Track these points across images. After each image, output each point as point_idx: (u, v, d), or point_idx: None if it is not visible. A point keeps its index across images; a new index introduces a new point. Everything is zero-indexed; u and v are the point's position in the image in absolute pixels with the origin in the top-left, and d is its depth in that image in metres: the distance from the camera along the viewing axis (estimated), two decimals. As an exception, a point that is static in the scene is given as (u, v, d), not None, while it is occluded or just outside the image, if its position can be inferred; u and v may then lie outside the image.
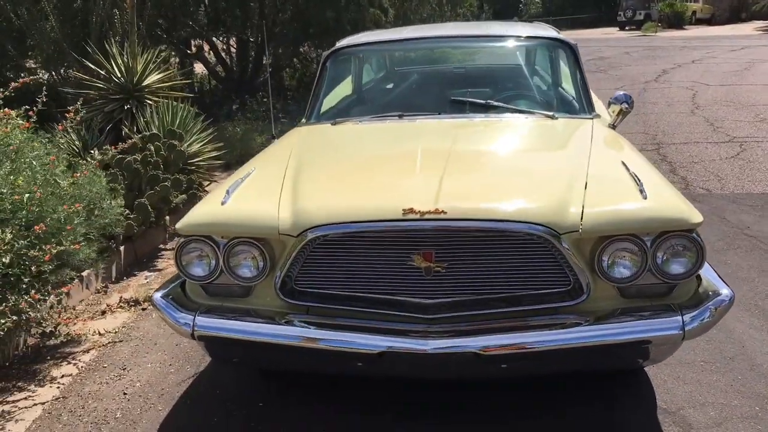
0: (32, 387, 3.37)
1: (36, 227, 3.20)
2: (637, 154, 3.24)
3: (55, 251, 3.24)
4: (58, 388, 3.35)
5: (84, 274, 4.31)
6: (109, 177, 4.68)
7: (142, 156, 5.22)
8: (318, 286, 2.67)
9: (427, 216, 2.48)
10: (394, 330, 2.56)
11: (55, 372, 3.51)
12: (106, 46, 6.32)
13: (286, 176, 2.98)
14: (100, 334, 3.88)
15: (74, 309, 4.16)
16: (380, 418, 2.92)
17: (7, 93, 4.06)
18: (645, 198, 2.54)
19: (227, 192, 2.81)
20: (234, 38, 12.62)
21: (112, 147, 5.06)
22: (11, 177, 3.38)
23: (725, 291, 2.53)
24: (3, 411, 3.13)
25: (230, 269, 2.67)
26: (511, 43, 4.41)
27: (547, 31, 4.33)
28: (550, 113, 3.74)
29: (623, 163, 2.91)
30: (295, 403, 3.08)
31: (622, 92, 3.71)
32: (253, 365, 3.15)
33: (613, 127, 3.70)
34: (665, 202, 2.55)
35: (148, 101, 6.29)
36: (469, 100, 3.88)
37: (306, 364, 2.77)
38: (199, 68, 13.21)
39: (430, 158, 3.01)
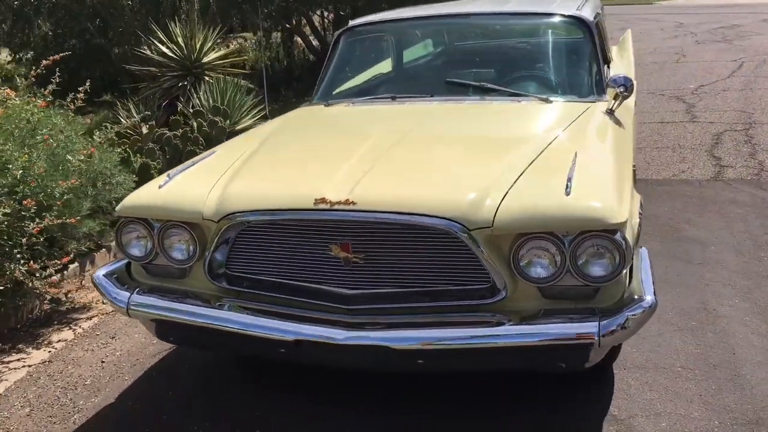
0: (29, 350, 3.62)
1: (25, 201, 3.42)
2: (609, 145, 3.04)
3: (43, 225, 3.44)
4: (50, 352, 3.59)
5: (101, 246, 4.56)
6: (144, 152, 4.90)
7: (182, 132, 5.42)
8: (247, 272, 2.71)
9: (336, 207, 2.46)
10: (312, 318, 2.57)
11: (54, 337, 3.75)
12: (170, 25, 6.57)
13: (238, 160, 3.02)
14: (104, 302, 4.10)
15: (83, 279, 4.41)
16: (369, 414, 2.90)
17: (39, 71, 4.34)
18: (568, 194, 2.39)
19: (168, 175, 2.88)
20: (332, 13, 12.76)
21: (160, 123, 5.29)
22: (16, 153, 3.61)
23: (648, 298, 2.36)
24: (-6, 370, 3.40)
25: (164, 251, 2.75)
26: (521, 22, 4.24)
27: (564, 7, 4.09)
28: (545, 97, 3.57)
29: (575, 155, 2.73)
30: (266, 390, 3.10)
31: (621, 75, 3.47)
32: (189, 345, 3.23)
33: (611, 111, 3.47)
34: (588, 200, 2.38)
35: (207, 77, 6.50)
36: (463, 82, 3.76)
37: (234, 347, 2.83)
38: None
39: (377, 145, 2.95)
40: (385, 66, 4.36)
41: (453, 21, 4.34)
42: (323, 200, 2.47)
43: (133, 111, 6.09)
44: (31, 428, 2.91)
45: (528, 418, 2.80)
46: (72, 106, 4.19)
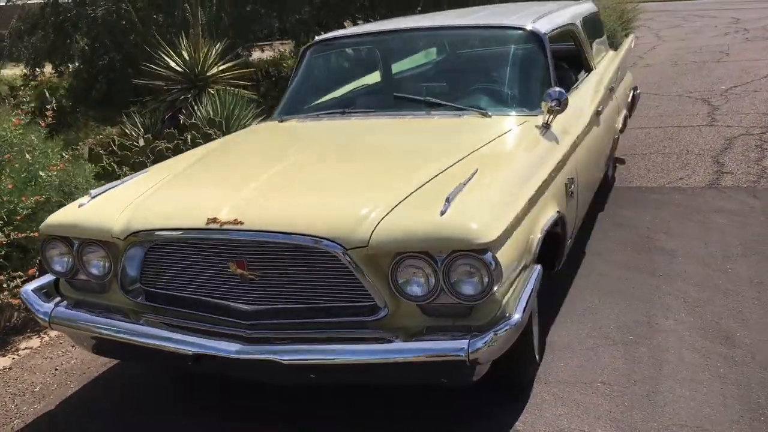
0: (-4, 356, 3.84)
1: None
2: (519, 162, 3.06)
3: (4, 240, 3.65)
4: (12, 359, 3.80)
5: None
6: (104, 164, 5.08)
7: (175, 144, 5.61)
8: (159, 287, 2.83)
9: (225, 226, 2.56)
10: (213, 332, 2.68)
11: (22, 344, 3.97)
12: (178, 39, 6.81)
13: (163, 179, 3.15)
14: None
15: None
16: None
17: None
18: (442, 214, 2.43)
19: (90, 195, 3.03)
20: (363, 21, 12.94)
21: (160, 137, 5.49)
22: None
23: (515, 317, 2.38)
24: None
25: (84, 267, 2.90)
26: (474, 35, 4.26)
27: (519, 20, 4.10)
28: (485, 111, 3.59)
29: (475, 172, 2.77)
30: (202, 410, 3.17)
31: (557, 89, 3.46)
32: (119, 359, 3.37)
33: (546, 125, 3.46)
34: (460, 220, 2.41)
35: (210, 90, 6.71)
36: (409, 96, 3.82)
37: (149, 360, 2.96)
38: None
39: (293, 164, 3.06)
40: (344, 81, 4.44)
41: (410, 35, 4.39)
42: (214, 220, 2.58)
43: (138, 124, 6.33)
44: (-29, 432, 3.11)
45: (430, 428, 2.84)
46: (43, 123, 4.40)
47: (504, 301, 2.45)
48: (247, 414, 3.07)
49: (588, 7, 5.70)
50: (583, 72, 4.83)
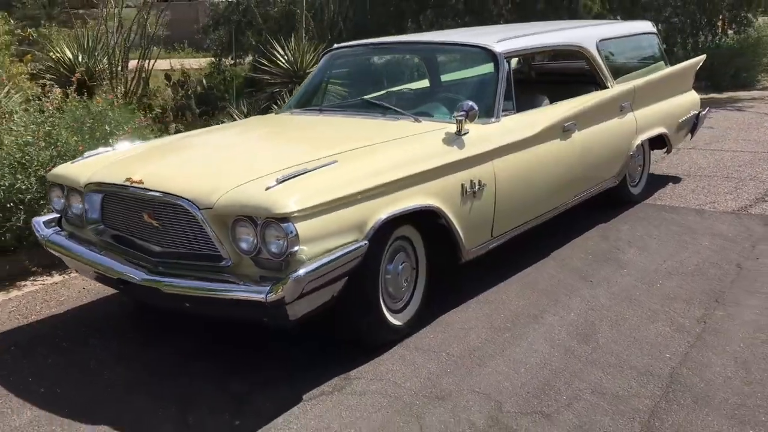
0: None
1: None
2: (385, 159, 3.65)
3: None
4: (63, 277, 5.00)
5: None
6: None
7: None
8: (109, 227, 3.82)
9: (133, 184, 3.49)
10: (134, 264, 3.61)
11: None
12: (284, 41, 7.92)
13: (137, 150, 4.17)
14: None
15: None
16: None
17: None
18: (267, 189, 3.17)
19: (83, 156, 4.11)
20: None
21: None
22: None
23: (300, 272, 3.03)
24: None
25: (69, 208, 3.98)
26: (443, 51, 4.82)
27: (485, 39, 4.61)
28: (416, 117, 4.22)
29: (332, 161, 3.45)
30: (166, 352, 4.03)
31: (468, 102, 3.97)
32: (84, 276, 4.35)
33: (458, 133, 4.00)
34: (274, 195, 3.11)
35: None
36: (367, 99, 4.54)
37: (100, 281, 3.94)
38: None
39: (232, 144, 3.96)
40: (339, 83, 5.20)
41: (395, 47, 5.06)
42: (128, 179, 3.52)
43: (235, 113, 7.50)
44: None
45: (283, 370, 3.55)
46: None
47: (308, 261, 3.10)
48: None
49: (623, 29, 5.96)
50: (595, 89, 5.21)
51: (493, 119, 4.27)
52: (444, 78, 4.94)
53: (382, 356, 3.59)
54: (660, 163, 7.37)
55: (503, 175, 4.17)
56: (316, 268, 3.09)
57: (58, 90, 7.72)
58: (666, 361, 3.40)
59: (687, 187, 6.48)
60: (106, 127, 5.63)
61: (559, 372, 3.36)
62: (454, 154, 3.90)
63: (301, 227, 3.06)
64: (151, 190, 3.41)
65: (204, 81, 10.24)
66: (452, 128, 4.00)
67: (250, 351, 3.71)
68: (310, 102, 4.97)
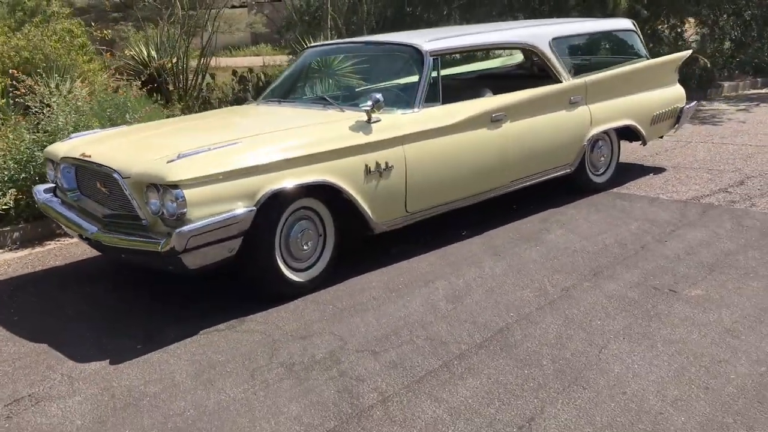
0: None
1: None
2: (282, 139, 4.34)
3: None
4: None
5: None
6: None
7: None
8: (82, 193, 4.76)
9: (84, 158, 4.41)
10: (91, 222, 4.53)
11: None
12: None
13: (118, 132, 5.09)
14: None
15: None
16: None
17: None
18: (168, 162, 3.97)
19: (69, 137, 5.07)
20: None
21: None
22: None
23: (183, 228, 3.81)
24: None
25: (58, 178, 4.95)
26: (384, 50, 5.47)
27: (417, 39, 5.23)
28: (341, 107, 4.90)
29: (236, 141, 4.21)
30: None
31: (377, 95, 4.60)
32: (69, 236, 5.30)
33: (368, 121, 4.66)
34: (169, 166, 3.89)
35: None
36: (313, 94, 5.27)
37: (79, 237, 4.87)
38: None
39: (177, 128, 4.86)
40: (305, 78, 5.93)
41: (347, 47, 5.75)
42: (83, 154, 4.43)
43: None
44: None
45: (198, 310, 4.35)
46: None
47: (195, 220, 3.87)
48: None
49: (587, 27, 6.36)
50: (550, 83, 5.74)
51: (412, 109, 4.87)
52: (384, 73, 5.57)
53: (281, 305, 4.29)
54: (659, 155, 7.63)
55: (415, 158, 4.76)
56: (199, 227, 3.85)
57: (119, 85, 8.91)
58: (505, 318, 3.93)
59: (663, 177, 6.75)
60: (127, 115, 6.63)
61: (411, 323, 3.95)
62: (358, 138, 4.54)
63: (189, 193, 3.83)
64: (94, 163, 4.30)
65: (262, 75, 11.19)
66: (364, 116, 4.64)
67: (185, 298, 4.50)
68: (281, 94, 5.74)
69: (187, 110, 9.04)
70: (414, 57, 5.11)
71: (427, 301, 4.24)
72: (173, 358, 3.72)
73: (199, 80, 10.42)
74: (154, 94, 10.35)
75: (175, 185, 3.81)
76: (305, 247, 4.43)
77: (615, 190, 6.41)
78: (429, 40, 5.17)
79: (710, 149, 7.86)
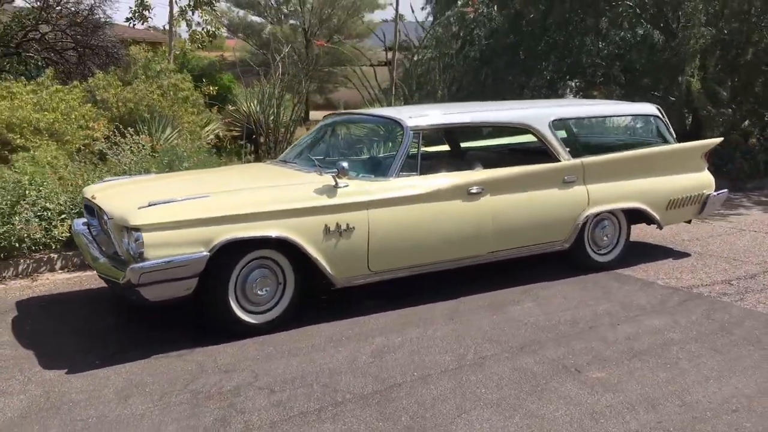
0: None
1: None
2: (255, 195, 4.98)
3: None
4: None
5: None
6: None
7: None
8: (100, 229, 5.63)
9: (91, 200, 5.27)
10: (100, 254, 5.36)
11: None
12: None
13: (138, 179, 5.96)
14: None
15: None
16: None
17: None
18: (138, 208, 4.70)
19: (102, 180, 5.99)
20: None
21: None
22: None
23: (136, 266, 4.50)
24: None
25: (85, 214, 5.87)
26: (371, 121, 6.03)
27: (404, 114, 5.73)
28: (321, 171, 5.47)
29: (205, 195, 4.89)
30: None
31: (343, 164, 5.14)
32: None
33: (336, 186, 5.19)
34: (136, 212, 4.59)
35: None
36: (309, 156, 5.91)
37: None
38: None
39: (183, 180, 5.64)
40: (311, 144, 6.54)
41: (350, 117, 6.35)
42: (93, 196, 5.29)
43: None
44: None
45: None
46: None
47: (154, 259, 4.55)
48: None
49: (598, 110, 6.58)
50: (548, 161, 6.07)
51: (384, 178, 5.35)
52: (374, 142, 6.09)
53: (232, 341, 4.83)
54: (697, 240, 7.57)
55: (379, 222, 5.22)
56: (151, 265, 4.52)
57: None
58: (406, 377, 4.25)
59: (679, 263, 6.71)
60: (185, 164, 7.56)
61: (323, 371, 4.36)
62: (320, 201, 5.07)
63: (147, 236, 4.52)
64: (96, 204, 5.13)
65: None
66: (329, 181, 5.18)
67: (162, 326, 5.18)
68: (292, 155, 6.41)
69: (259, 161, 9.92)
70: (397, 130, 5.60)
71: (353, 353, 4.64)
72: (115, 375, 4.37)
73: (289, 135, 11.34)
74: (249, 146, 11.44)
75: (136, 228, 4.51)
76: (261, 293, 4.97)
77: (620, 270, 6.46)
78: (413, 116, 5.64)
79: (755, 239, 7.64)
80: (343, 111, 6.58)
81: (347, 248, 5.13)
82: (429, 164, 5.83)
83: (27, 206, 6.37)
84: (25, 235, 6.51)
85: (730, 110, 11.38)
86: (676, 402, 3.87)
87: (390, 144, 5.87)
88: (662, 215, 6.62)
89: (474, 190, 5.60)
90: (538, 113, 6.20)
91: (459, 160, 6.45)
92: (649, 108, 6.94)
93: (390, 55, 12.24)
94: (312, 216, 5.01)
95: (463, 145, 7.24)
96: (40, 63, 12.12)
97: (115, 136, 8.42)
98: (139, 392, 4.11)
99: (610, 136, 6.80)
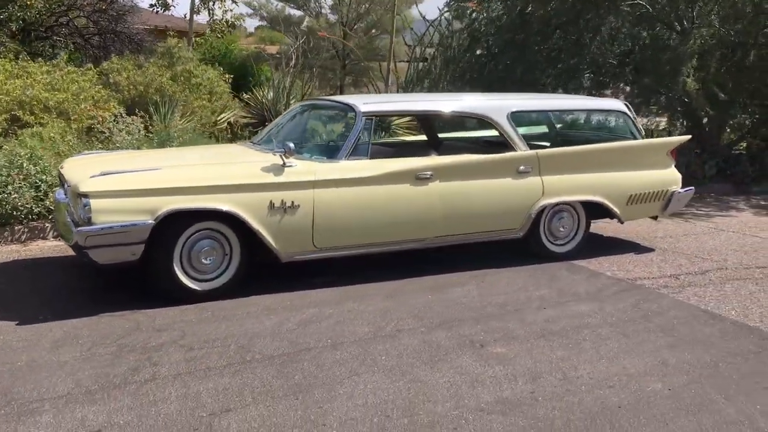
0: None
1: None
2: (205, 171, 5.33)
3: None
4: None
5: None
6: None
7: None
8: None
9: (60, 169, 5.70)
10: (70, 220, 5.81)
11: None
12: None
13: (121, 153, 6.37)
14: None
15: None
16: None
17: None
18: (90, 177, 5.09)
19: (80, 153, 6.42)
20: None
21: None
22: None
23: (82, 228, 4.89)
24: None
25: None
26: (334, 107, 6.28)
27: (359, 100, 6.01)
28: (275, 151, 5.77)
29: (157, 168, 5.27)
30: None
31: (290, 144, 5.46)
32: None
33: (283, 165, 5.51)
34: (87, 181, 4.99)
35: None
36: (269, 137, 6.24)
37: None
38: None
39: (151, 155, 6.00)
40: (281, 127, 6.85)
41: (314, 103, 6.64)
42: (62, 167, 5.72)
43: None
44: None
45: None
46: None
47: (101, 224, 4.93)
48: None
49: (552, 104, 6.76)
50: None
51: (333, 159, 5.64)
52: (331, 126, 6.38)
53: (177, 306, 5.16)
54: (668, 238, 7.65)
55: (324, 201, 5.51)
56: (95, 229, 4.89)
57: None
58: (316, 344, 4.53)
59: (639, 258, 6.81)
60: (174, 143, 7.98)
61: (243, 335, 4.66)
62: (267, 178, 5.38)
63: (95, 202, 4.90)
64: (62, 174, 5.55)
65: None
66: (278, 160, 5.49)
67: (120, 288, 5.58)
68: (262, 138, 6.73)
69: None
70: (350, 115, 5.88)
71: (282, 321, 4.94)
72: (57, 328, 4.75)
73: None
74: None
75: (85, 195, 4.90)
76: (206, 262, 5.31)
77: (577, 261, 6.60)
78: (368, 102, 5.92)
79: (729, 239, 7.67)
80: (313, 98, 6.88)
81: (291, 224, 5.42)
82: (383, 150, 6.09)
83: (17, 177, 6.82)
84: (19, 204, 6.98)
85: (744, 114, 11.33)
86: (558, 376, 4.06)
87: (343, 127, 6.15)
88: (622, 210, 6.73)
89: (422, 175, 5.83)
90: (496, 105, 6.39)
91: (417, 148, 6.68)
92: (616, 104, 7.06)
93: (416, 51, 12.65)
94: (257, 192, 5.32)
95: (440, 135, 7.47)
96: (70, 47, 12.75)
97: (122, 117, 8.88)
98: (72, 343, 4.48)
99: (573, 130, 6.93)
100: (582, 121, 7.07)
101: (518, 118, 6.40)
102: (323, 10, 25.13)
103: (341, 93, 20.41)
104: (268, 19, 23.71)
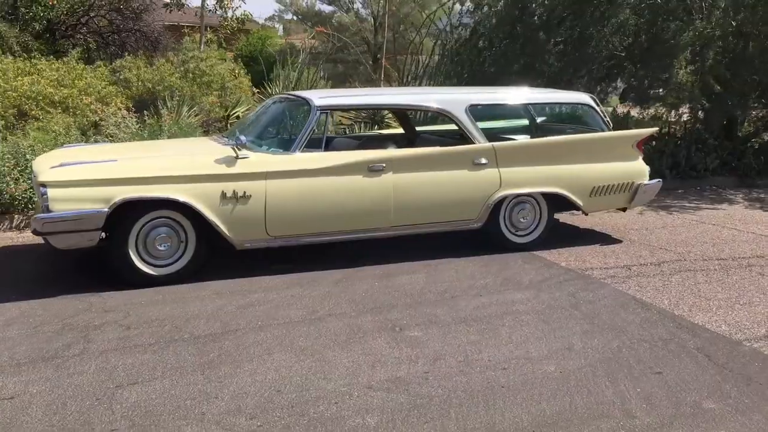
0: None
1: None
2: (156, 162, 5.65)
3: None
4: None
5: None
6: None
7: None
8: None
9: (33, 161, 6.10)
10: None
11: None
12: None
13: (96, 146, 6.76)
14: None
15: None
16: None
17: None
18: (50, 168, 5.47)
19: (64, 144, 6.82)
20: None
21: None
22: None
23: (38, 215, 5.27)
24: None
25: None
26: (293, 101, 6.53)
27: (314, 94, 6.26)
28: (233, 144, 6.08)
29: (114, 159, 5.62)
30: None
31: (242, 137, 5.74)
32: None
33: (236, 157, 5.80)
34: (49, 172, 5.35)
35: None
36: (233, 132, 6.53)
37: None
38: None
39: (122, 148, 6.36)
40: (252, 121, 7.13)
41: (279, 98, 6.88)
42: (35, 159, 6.12)
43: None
44: None
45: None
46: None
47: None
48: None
49: (511, 96, 6.89)
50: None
51: (287, 152, 5.91)
52: (288, 119, 6.64)
53: (132, 290, 5.52)
54: (645, 230, 7.70)
55: (276, 191, 5.77)
56: (51, 216, 5.25)
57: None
58: (236, 325, 4.81)
59: (603, 249, 6.88)
60: (163, 137, 8.36)
61: (180, 317, 4.96)
62: (219, 169, 5.68)
63: (52, 191, 5.26)
64: (32, 166, 5.94)
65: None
66: (239, 153, 5.79)
67: (91, 274, 5.97)
68: (229, 132, 7.04)
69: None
70: (305, 109, 6.13)
71: (224, 305, 5.22)
72: (15, 307, 5.13)
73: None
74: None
75: (43, 184, 5.27)
76: (161, 248, 5.63)
77: (537, 251, 6.73)
78: (323, 96, 6.16)
79: (704, 232, 7.68)
80: (281, 92, 7.16)
81: (244, 214, 5.71)
82: (348, 143, 6.32)
83: (11, 167, 7.28)
84: (16, 193, 7.44)
85: (758, 105, 11.17)
86: (459, 358, 4.24)
87: (299, 120, 6.40)
88: (585, 202, 6.82)
89: (376, 167, 6.05)
90: (455, 98, 6.55)
91: (382, 141, 6.88)
92: (582, 97, 7.14)
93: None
94: (209, 183, 5.62)
95: (418, 129, 7.69)
96: (91, 46, 13.31)
97: (120, 111, 9.31)
98: (23, 322, 4.85)
99: (541, 122, 7.04)
100: (549, 114, 7.16)
101: (478, 111, 6.54)
102: (354, 5, 25.47)
103: (372, 86, 20.60)
104: (298, 15, 24.09)
